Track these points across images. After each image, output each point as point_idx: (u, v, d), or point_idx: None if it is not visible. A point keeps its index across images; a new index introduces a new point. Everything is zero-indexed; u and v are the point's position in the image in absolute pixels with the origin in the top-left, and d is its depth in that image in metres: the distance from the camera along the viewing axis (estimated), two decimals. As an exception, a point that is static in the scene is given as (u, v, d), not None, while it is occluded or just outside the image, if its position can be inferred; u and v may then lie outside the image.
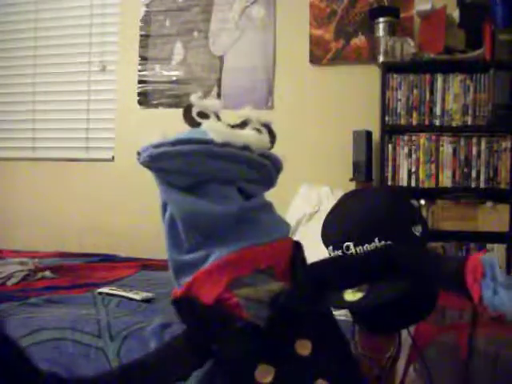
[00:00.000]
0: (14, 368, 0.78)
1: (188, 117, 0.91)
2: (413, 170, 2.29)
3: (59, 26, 3.07)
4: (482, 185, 2.23)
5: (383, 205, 1.04)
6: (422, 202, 2.26)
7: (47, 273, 2.06)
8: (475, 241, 2.23)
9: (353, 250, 0.99)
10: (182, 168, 0.86)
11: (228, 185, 0.84)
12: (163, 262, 2.48)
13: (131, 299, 1.66)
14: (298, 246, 0.90)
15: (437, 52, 2.28)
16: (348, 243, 1.00)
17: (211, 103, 0.91)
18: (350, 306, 0.90)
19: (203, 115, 0.90)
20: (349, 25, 2.62)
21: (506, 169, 2.21)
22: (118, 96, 2.96)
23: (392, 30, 2.41)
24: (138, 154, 0.89)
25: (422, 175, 2.28)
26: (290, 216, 2.15)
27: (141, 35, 2.91)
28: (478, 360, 1.28)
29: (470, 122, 2.25)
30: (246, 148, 0.82)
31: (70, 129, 3.05)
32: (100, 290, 1.76)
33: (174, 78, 2.86)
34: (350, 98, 2.61)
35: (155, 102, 2.89)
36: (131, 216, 2.85)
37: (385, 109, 2.31)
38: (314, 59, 2.66)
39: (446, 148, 2.27)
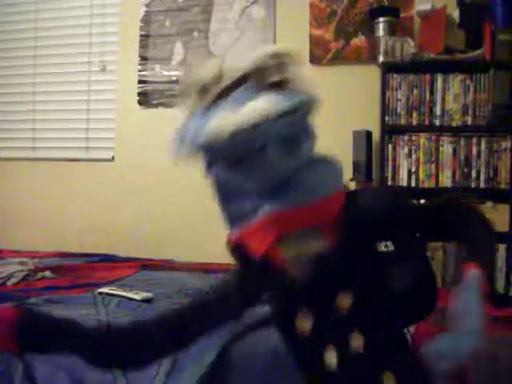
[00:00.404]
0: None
1: (191, 100, 0.90)
2: (413, 169, 2.29)
3: (59, 26, 3.07)
4: (482, 185, 2.23)
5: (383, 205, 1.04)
6: (422, 202, 2.26)
7: (47, 273, 2.06)
8: (475, 241, 2.23)
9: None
10: (209, 159, 0.88)
11: (259, 153, 0.84)
12: (163, 262, 2.50)
13: (131, 299, 1.67)
14: (351, 198, 0.94)
15: (437, 52, 2.27)
16: None
17: (208, 76, 0.88)
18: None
19: (205, 90, 0.88)
20: (349, 25, 2.62)
21: (506, 169, 2.21)
22: (118, 96, 2.95)
23: (392, 30, 2.40)
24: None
25: (422, 175, 2.28)
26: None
27: (141, 35, 2.91)
28: (478, 360, 1.28)
29: (470, 122, 2.25)
30: (256, 126, 0.80)
31: (70, 129, 3.05)
32: (100, 290, 1.76)
33: (174, 78, 2.86)
34: (350, 98, 2.61)
35: (155, 102, 2.89)
36: (131, 216, 2.85)
37: (385, 109, 2.31)
38: (314, 59, 2.66)
39: (446, 148, 2.26)
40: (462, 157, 2.25)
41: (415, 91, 2.29)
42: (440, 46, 2.27)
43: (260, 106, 0.84)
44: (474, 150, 2.24)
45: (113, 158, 2.96)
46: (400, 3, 2.52)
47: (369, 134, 2.38)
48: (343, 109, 2.60)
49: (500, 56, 2.19)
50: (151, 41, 2.90)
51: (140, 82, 2.91)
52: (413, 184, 2.29)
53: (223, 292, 0.99)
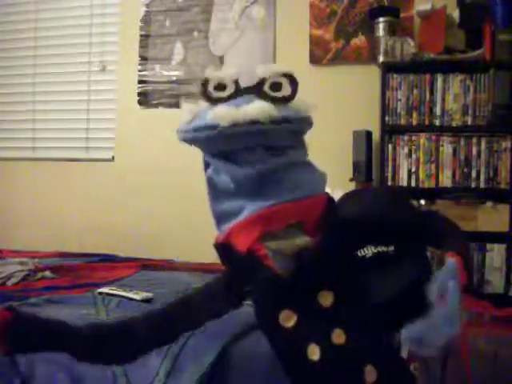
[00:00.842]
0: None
1: (204, 93, 0.96)
2: (413, 169, 2.29)
3: (59, 26, 3.07)
4: (482, 185, 2.23)
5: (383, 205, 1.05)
6: (422, 202, 2.26)
7: (47, 273, 2.05)
8: (475, 241, 2.23)
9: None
10: (205, 148, 0.97)
11: (249, 151, 0.92)
12: (163, 262, 2.49)
13: (131, 299, 1.66)
14: (332, 202, 0.99)
15: (437, 52, 2.27)
16: None
17: (227, 73, 0.96)
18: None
19: (220, 87, 0.95)
20: (349, 25, 2.62)
21: (506, 169, 2.21)
22: (118, 96, 2.95)
23: (392, 30, 2.41)
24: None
25: (422, 175, 2.28)
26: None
27: (141, 35, 2.91)
28: (478, 360, 1.28)
29: (470, 122, 2.25)
30: (254, 122, 0.88)
31: (70, 129, 3.05)
32: (100, 290, 1.76)
33: (174, 78, 2.86)
34: (350, 98, 2.61)
35: (155, 102, 2.89)
36: (131, 216, 2.85)
37: (385, 109, 2.31)
38: (314, 59, 2.66)
39: (446, 148, 2.26)
40: (462, 157, 2.25)
41: (415, 91, 2.29)
42: (440, 46, 2.27)
43: (265, 106, 0.90)
44: (474, 150, 2.24)
45: (113, 158, 2.96)
46: (400, 3, 2.52)
47: (369, 134, 2.38)
48: (343, 109, 2.60)
49: (500, 56, 2.19)
50: (151, 41, 2.90)
51: (140, 81, 2.91)
52: (413, 184, 2.29)
53: (210, 288, 1.05)
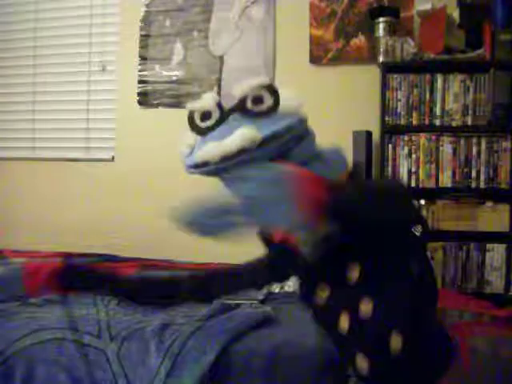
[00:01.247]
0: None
1: (193, 126, 1.06)
2: (413, 170, 2.29)
3: (59, 26, 3.06)
4: (482, 185, 2.23)
5: None
6: (422, 202, 2.26)
7: (47, 273, 2.05)
8: (475, 241, 2.24)
9: None
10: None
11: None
12: (163, 262, 2.49)
13: (131, 299, 1.66)
14: (351, 177, 1.12)
15: (437, 52, 2.28)
16: None
17: (206, 102, 1.03)
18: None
19: (206, 116, 1.03)
20: (349, 25, 2.62)
21: (506, 169, 2.21)
22: (118, 96, 2.95)
23: (392, 30, 2.41)
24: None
25: (422, 175, 2.28)
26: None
27: (141, 35, 2.91)
28: (478, 360, 1.28)
29: (470, 122, 2.25)
30: (241, 151, 0.95)
31: (70, 129, 3.05)
32: (100, 290, 1.75)
33: (174, 78, 2.86)
34: (350, 98, 2.61)
35: (155, 102, 2.89)
36: (131, 216, 2.85)
37: (385, 109, 2.31)
38: (314, 59, 2.66)
39: (446, 148, 2.27)
40: (462, 157, 2.25)
41: (415, 91, 2.29)
42: (440, 46, 2.27)
43: (246, 133, 0.97)
44: (474, 150, 2.24)
45: (113, 158, 2.96)
46: (400, 3, 2.52)
47: (369, 134, 2.38)
48: (343, 109, 2.60)
49: (500, 56, 2.20)
50: (151, 41, 2.90)
51: (140, 81, 2.91)
52: (413, 184, 2.29)
53: (251, 264, 1.21)
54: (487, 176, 2.23)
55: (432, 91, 2.28)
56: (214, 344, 1.24)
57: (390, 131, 2.31)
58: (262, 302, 1.65)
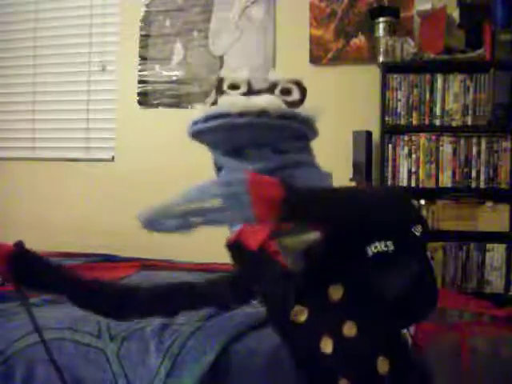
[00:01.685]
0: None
1: (219, 90, 1.01)
2: (413, 170, 2.29)
3: (59, 26, 3.07)
4: (482, 185, 2.23)
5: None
6: (422, 202, 2.26)
7: (47, 273, 2.05)
8: (475, 241, 2.23)
9: None
10: (216, 141, 0.99)
11: (261, 148, 0.96)
12: (163, 262, 2.49)
13: (131, 299, 1.66)
14: None
15: (437, 52, 2.28)
16: None
17: (240, 75, 1.03)
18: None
19: (234, 86, 1.01)
20: (349, 25, 2.62)
21: (506, 169, 2.21)
22: (118, 96, 2.95)
23: (392, 30, 2.41)
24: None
25: (422, 175, 2.28)
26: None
27: (141, 35, 2.91)
28: (478, 360, 1.28)
29: (470, 122, 2.25)
30: (262, 113, 0.92)
31: (70, 129, 3.05)
32: (100, 290, 1.75)
33: (174, 78, 2.86)
34: (350, 98, 2.61)
35: (155, 102, 2.89)
36: (131, 216, 2.83)
37: (385, 109, 2.31)
38: (314, 59, 2.66)
39: (446, 148, 2.27)
40: (462, 157, 2.25)
41: (415, 91, 2.29)
42: (440, 46, 2.28)
43: (275, 99, 0.96)
44: (474, 150, 2.24)
45: (113, 158, 2.96)
46: (400, 3, 2.52)
47: (369, 134, 2.38)
48: (343, 109, 2.60)
49: (500, 56, 2.20)
50: (151, 41, 2.90)
51: (140, 82, 2.91)
52: (413, 184, 2.29)
53: (217, 281, 1.09)
54: (487, 176, 2.23)
55: (432, 91, 2.28)
56: (214, 344, 1.24)
57: (390, 131, 2.31)
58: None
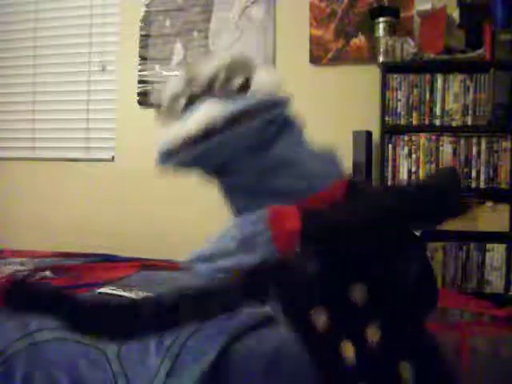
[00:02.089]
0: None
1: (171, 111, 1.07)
2: (413, 169, 2.29)
3: (59, 26, 3.06)
4: (482, 185, 2.23)
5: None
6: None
7: (47, 273, 2.05)
8: (475, 241, 2.23)
9: None
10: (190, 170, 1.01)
11: (234, 162, 0.94)
12: (163, 262, 2.49)
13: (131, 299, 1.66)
14: (353, 187, 0.99)
15: (437, 52, 2.27)
16: None
17: (172, 87, 1.03)
18: None
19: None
20: (349, 25, 2.62)
21: (506, 169, 2.21)
22: (118, 96, 2.95)
23: (392, 30, 2.41)
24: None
25: (422, 175, 2.28)
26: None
27: (141, 35, 2.91)
28: (478, 360, 1.28)
29: (470, 122, 2.25)
30: (206, 133, 0.89)
31: (70, 129, 3.05)
32: (100, 290, 1.76)
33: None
34: (350, 98, 2.61)
35: (155, 102, 2.89)
36: (131, 216, 2.85)
37: (385, 109, 2.31)
38: (314, 59, 2.66)
39: (446, 148, 2.26)
40: (462, 157, 2.25)
41: (415, 91, 2.29)
42: (440, 46, 2.27)
43: (210, 110, 0.90)
44: (474, 150, 2.24)
45: (113, 158, 2.96)
46: (400, 3, 2.52)
47: (369, 134, 2.38)
48: (343, 109, 2.60)
49: (500, 56, 2.20)
50: (151, 41, 2.90)
51: (140, 82, 2.91)
52: (413, 184, 2.29)
53: (225, 283, 0.98)
54: (487, 176, 2.23)
55: (432, 91, 2.28)
56: (214, 344, 1.24)
57: (390, 131, 2.31)
58: (263, 302, 1.65)
